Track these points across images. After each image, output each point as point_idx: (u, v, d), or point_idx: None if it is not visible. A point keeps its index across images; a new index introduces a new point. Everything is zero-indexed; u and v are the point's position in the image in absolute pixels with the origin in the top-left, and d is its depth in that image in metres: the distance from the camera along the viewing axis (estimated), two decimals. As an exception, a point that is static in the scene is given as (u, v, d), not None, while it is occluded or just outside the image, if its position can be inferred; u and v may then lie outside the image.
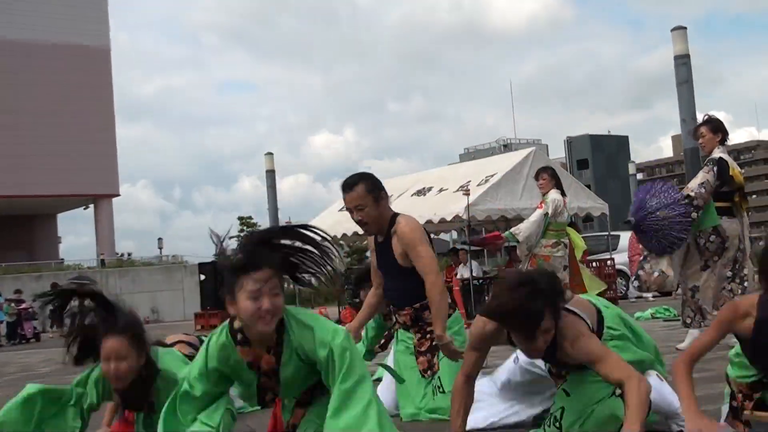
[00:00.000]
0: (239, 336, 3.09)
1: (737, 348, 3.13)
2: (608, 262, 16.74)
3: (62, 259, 45.86)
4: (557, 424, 3.35)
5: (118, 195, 47.19)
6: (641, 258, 7.04)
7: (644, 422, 3.08)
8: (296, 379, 3.15)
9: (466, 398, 3.53)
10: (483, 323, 3.43)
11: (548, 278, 3.24)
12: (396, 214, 4.51)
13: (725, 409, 3.25)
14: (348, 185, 4.43)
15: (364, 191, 4.38)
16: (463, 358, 3.63)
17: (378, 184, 4.46)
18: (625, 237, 17.91)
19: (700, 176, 6.84)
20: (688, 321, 6.90)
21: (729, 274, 6.80)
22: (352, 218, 4.46)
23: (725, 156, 6.83)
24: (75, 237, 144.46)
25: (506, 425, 3.99)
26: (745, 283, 6.85)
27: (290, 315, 3.09)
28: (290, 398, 3.26)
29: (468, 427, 3.93)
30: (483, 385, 4.07)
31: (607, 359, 3.23)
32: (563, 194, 9.25)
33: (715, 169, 6.74)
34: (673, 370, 3.05)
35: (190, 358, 3.94)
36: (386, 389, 4.66)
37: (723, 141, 6.89)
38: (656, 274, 6.82)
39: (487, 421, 4.00)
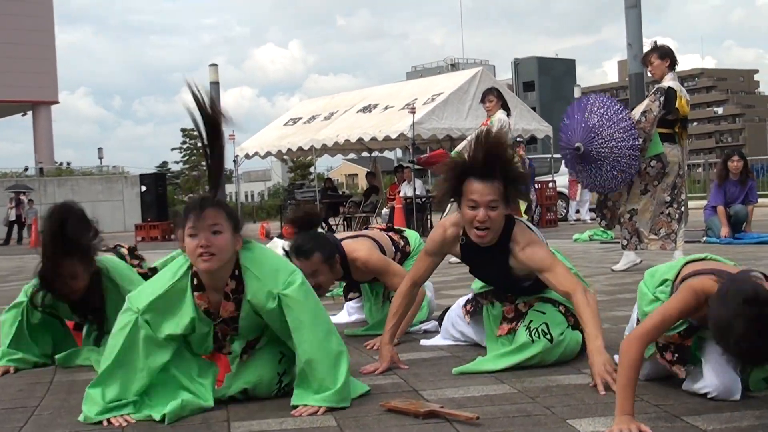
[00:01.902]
0: (195, 280, 3.01)
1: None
2: (550, 185, 16.89)
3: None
4: (548, 337, 3.39)
5: (57, 102, 46.05)
6: (603, 197, 7.00)
7: (602, 332, 3.16)
8: (253, 327, 3.11)
9: (408, 300, 3.64)
10: (443, 229, 3.51)
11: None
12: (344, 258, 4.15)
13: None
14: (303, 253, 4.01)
15: (320, 261, 4.02)
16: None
17: (333, 253, 4.08)
18: (568, 160, 18.03)
19: (645, 104, 6.87)
20: (625, 243, 7.02)
21: (668, 198, 6.90)
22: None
23: (674, 85, 6.83)
24: (11, 144, 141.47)
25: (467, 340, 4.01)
26: (683, 208, 6.98)
27: (248, 264, 3.01)
28: (242, 342, 3.18)
29: (429, 343, 4.07)
30: (437, 341, 4.10)
31: (556, 268, 3.32)
32: (509, 114, 9.22)
33: (661, 99, 6.75)
34: (624, 349, 2.60)
35: None
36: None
37: (672, 67, 6.91)
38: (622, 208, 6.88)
39: (446, 341, 4.07)
